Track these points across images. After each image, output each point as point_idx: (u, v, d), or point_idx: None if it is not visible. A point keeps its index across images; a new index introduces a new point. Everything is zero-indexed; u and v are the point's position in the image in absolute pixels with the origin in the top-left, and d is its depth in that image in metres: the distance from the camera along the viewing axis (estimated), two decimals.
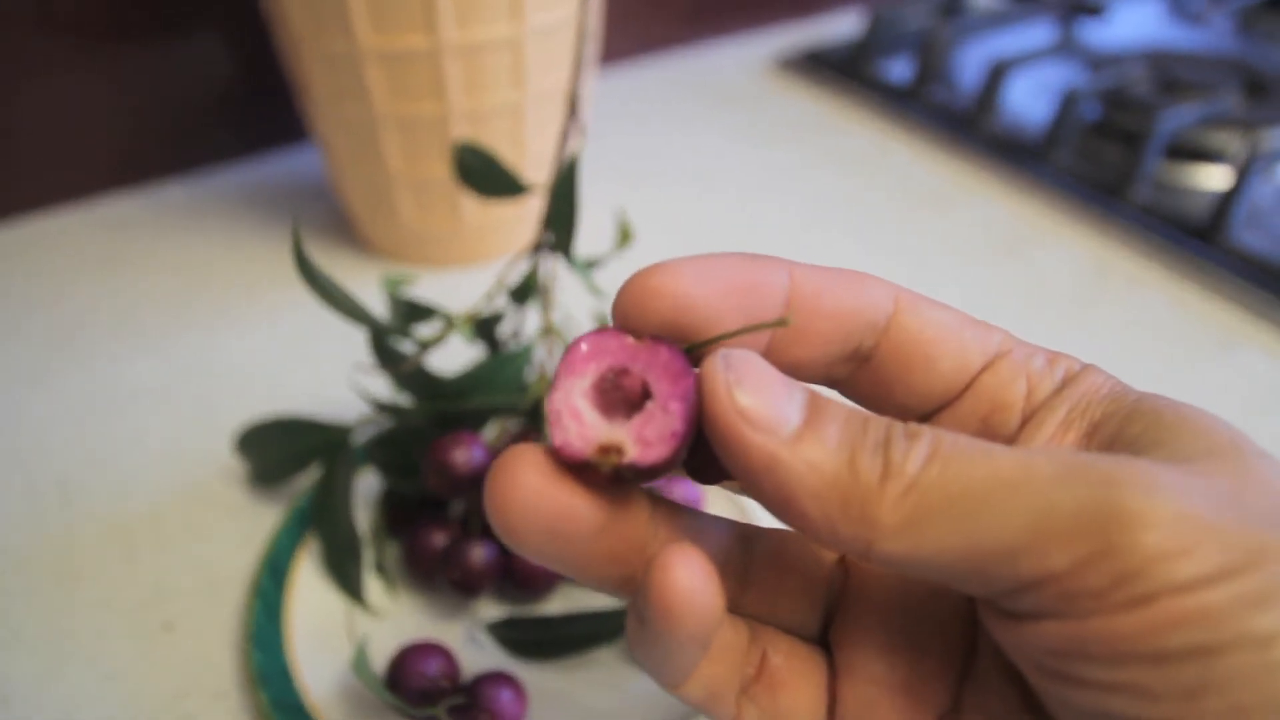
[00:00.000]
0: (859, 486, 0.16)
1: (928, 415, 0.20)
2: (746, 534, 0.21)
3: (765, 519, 0.33)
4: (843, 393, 0.21)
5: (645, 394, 0.17)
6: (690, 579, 0.16)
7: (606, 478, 0.17)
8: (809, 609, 0.21)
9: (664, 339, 0.18)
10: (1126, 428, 0.18)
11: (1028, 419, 0.19)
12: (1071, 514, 0.14)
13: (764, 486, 0.16)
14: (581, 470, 0.17)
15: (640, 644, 0.18)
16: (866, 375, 0.20)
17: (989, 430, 0.19)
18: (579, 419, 0.17)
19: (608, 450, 0.17)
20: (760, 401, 0.16)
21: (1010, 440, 0.19)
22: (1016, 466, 0.15)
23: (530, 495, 0.17)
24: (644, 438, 0.17)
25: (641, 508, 0.18)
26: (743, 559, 0.20)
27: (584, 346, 0.18)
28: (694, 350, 0.18)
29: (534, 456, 0.17)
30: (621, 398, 0.18)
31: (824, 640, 0.21)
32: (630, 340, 0.18)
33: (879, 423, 0.17)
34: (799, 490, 0.16)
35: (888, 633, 0.20)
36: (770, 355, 0.19)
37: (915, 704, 0.19)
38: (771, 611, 0.21)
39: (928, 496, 0.15)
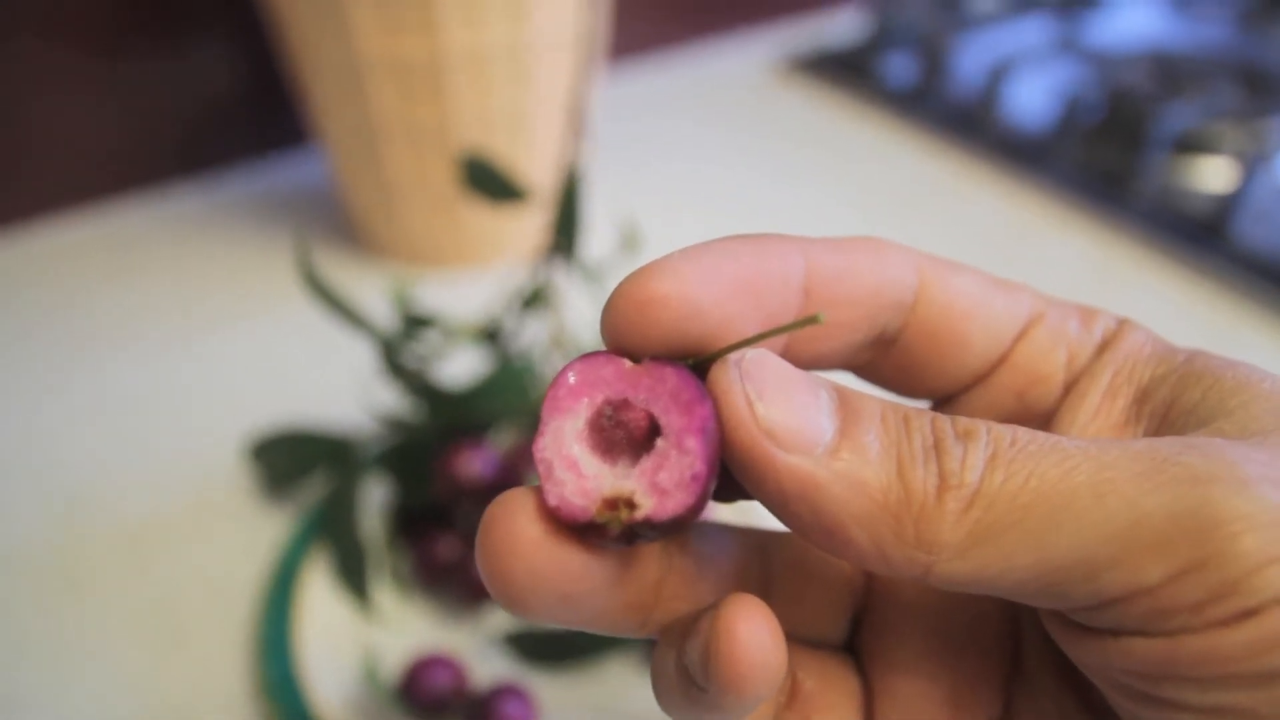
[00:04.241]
0: (912, 504, 0.14)
1: (958, 395, 0.18)
2: (761, 542, 0.19)
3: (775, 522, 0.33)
4: (863, 378, 0.19)
5: (652, 428, 0.15)
6: (759, 643, 0.14)
7: (616, 536, 0.14)
8: (834, 617, 0.19)
9: (667, 359, 0.15)
10: (1182, 394, 0.16)
11: (1069, 388, 0.17)
12: (1163, 521, 0.13)
13: (800, 514, 0.14)
14: (585, 531, 0.14)
15: (686, 708, 0.16)
16: (892, 359, 0.18)
17: (1027, 406, 0.18)
18: (575, 469, 0.14)
19: (615, 504, 0.14)
20: (786, 412, 0.14)
21: (1050, 414, 0.18)
22: (1093, 466, 0.13)
23: (533, 561, 0.14)
24: (659, 485, 0.14)
25: (653, 543, 0.16)
26: (761, 572, 0.18)
27: (572, 377, 0.15)
28: (702, 365, 0.15)
29: (527, 510, 0.14)
30: (624, 435, 0.15)
31: (849, 645, 0.19)
32: (627, 364, 0.15)
33: (922, 420, 0.14)
34: (843, 515, 0.14)
35: (924, 636, 0.18)
36: (788, 355, 0.17)
37: (962, 716, 0.17)
38: (794, 625, 0.18)
39: (994, 509, 0.13)
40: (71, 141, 0.58)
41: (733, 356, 0.15)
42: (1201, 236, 0.54)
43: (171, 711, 0.34)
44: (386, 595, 0.36)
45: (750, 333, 0.15)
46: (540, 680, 0.34)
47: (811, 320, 0.14)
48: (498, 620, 0.36)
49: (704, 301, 0.15)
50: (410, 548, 0.37)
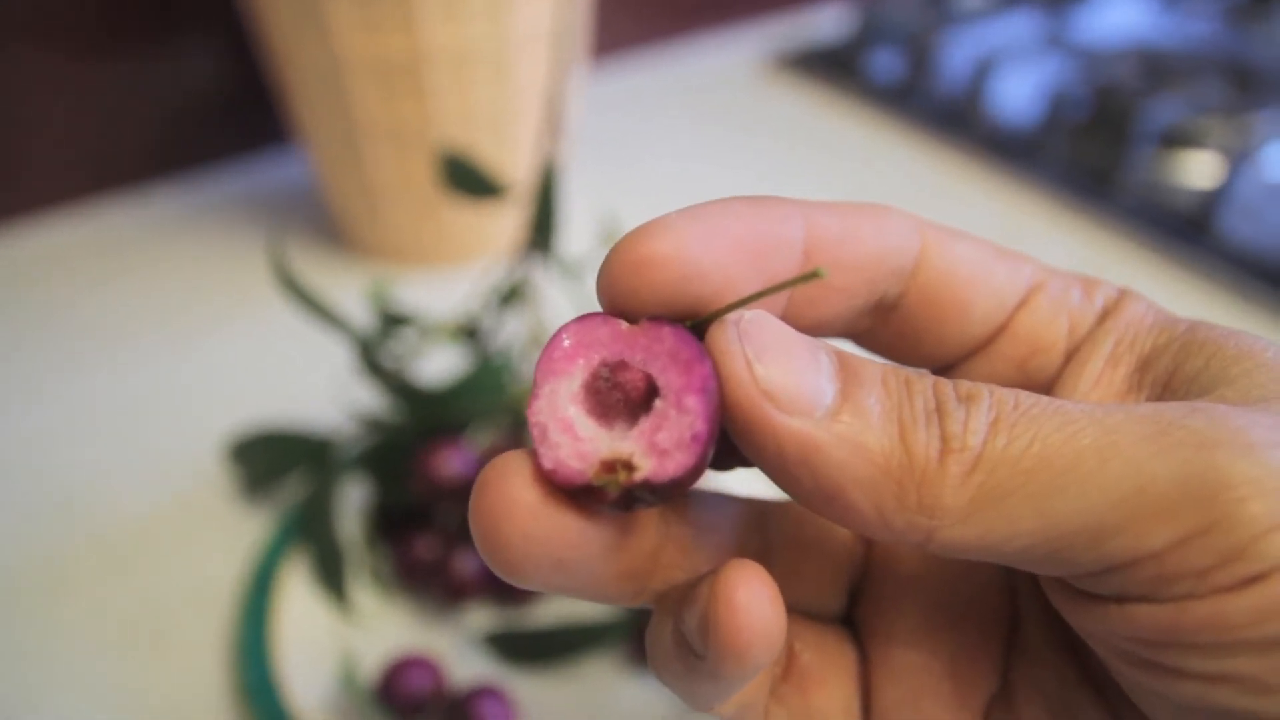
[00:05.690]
0: (914, 468, 0.13)
1: (959, 364, 0.18)
2: (760, 513, 0.18)
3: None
4: (863, 346, 0.18)
5: (651, 390, 0.14)
6: (759, 609, 0.14)
7: (614, 500, 0.14)
8: (831, 588, 0.19)
9: (664, 319, 0.14)
10: (1184, 363, 0.16)
11: (1070, 357, 0.17)
12: (1169, 485, 0.12)
13: (800, 478, 0.14)
14: (582, 495, 0.14)
15: (683, 676, 0.15)
16: (891, 327, 0.18)
17: (1028, 375, 0.18)
18: (571, 431, 0.14)
19: (613, 467, 0.14)
20: (786, 374, 0.14)
21: (1051, 383, 0.17)
22: (1098, 430, 0.13)
23: (527, 526, 0.14)
24: (658, 446, 0.14)
25: (651, 510, 0.16)
26: (760, 543, 0.18)
27: (566, 339, 0.14)
28: (700, 327, 0.15)
29: (522, 473, 0.14)
30: (621, 398, 0.14)
31: (847, 618, 0.19)
32: (623, 325, 0.14)
33: (923, 384, 0.14)
34: (844, 479, 0.13)
35: (922, 609, 0.18)
36: (786, 321, 0.16)
37: (961, 689, 0.17)
38: (793, 596, 0.18)
39: (997, 473, 0.13)
40: (52, 143, 0.57)
41: (731, 317, 0.14)
42: (1187, 232, 0.54)
43: (150, 714, 0.33)
44: (365, 596, 0.36)
45: (749, 293, 0.15)
46: (520, 680, 0.33)
47: (813, 275, 0.14)
48: (477, 620, 0.36)
49: (703, 262, 0.14)
50: (389, 548, 0.36)
